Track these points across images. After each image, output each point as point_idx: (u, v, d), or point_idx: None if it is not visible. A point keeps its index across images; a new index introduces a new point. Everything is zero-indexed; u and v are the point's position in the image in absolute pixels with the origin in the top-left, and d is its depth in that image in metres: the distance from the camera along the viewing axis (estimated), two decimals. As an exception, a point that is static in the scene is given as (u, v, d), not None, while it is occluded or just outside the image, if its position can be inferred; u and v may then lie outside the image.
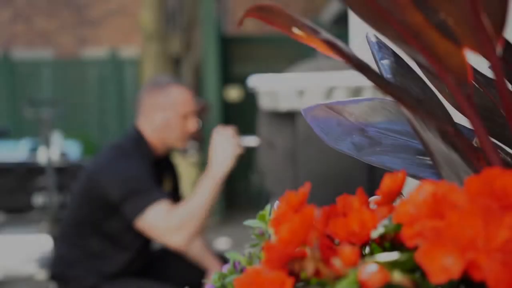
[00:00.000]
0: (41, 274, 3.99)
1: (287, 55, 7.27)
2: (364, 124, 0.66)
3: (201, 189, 2.05)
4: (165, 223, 2.03)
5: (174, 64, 6.22)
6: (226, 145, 2.04)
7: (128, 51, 8.89)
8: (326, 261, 0.42)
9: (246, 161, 5.71)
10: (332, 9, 6.57)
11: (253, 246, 0.49)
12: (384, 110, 0.66)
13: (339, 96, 1.99)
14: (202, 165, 5.95)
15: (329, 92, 2.00)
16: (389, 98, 0.69)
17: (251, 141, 3.15)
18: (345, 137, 0.65)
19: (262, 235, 0.49)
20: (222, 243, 5.02)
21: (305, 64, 2.23)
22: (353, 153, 0.63)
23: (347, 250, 0.41)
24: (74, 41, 9.70)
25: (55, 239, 2.36)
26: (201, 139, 5.82)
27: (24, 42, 9.66)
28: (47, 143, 4.00)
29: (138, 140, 2.23)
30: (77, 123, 7.71)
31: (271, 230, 0.49)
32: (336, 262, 0.41)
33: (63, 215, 3.84)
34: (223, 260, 2.47)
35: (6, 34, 9.66)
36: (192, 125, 2.28)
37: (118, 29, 9.74)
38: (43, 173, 4.05)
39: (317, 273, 0.42)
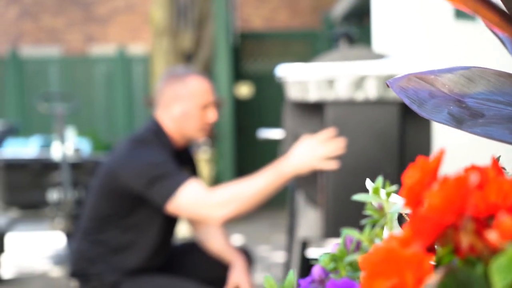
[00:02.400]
0: (56, 271, 3.95)
1: (297, 51, 7.21)
2: (460, 95, 0.61)
3: (260, 176, 1.98)
4: (206, 197, 2.00)
5: (185, 60, 6.17)
6: (312, 151, 1.85)
7: (136, 48, 8.85)
8: (477, 234, 0.37)
9: (265, 156, 5.66)
10: (342, 6, 6.50)
11: (373, 222, 0.43)
12: (482, 79, 0.61)
13: (370, 85, 1.93)
14: (214, 161, 5.90)
15: (360, 81, 1.94)
16: (486, 67, 0.63)
17: (272, 134, 3.09)
18: (441, 108, 0.60)
19: (380, 209, 0.43)
20: (235, 240, 4.97)
21: (331, 54, 2.18)
22: (452, 124, 0.58)
23: (507, 222, 0.35)
24: (81, 38, 9.66)
25: (75, 236, 2.31)
26: (213, 135, 5.77)
27: (31, 40, 9.63)
28: (61, 138, 3.95)
29: (158, 131, 2.18)
30: (85, 121, 7.67)
31: (397, 202, 0.44)
32: (492, 235, 0.36)
33: (77, 211, 3.81)
34: (246, 254, 2.42)
35: (14, 32, 9.63)
36: (212, 116, 2.23)
37: (126, 27, 9.70)
38: (57, 169, 4.00)
39: (469, 247, 0.36)
